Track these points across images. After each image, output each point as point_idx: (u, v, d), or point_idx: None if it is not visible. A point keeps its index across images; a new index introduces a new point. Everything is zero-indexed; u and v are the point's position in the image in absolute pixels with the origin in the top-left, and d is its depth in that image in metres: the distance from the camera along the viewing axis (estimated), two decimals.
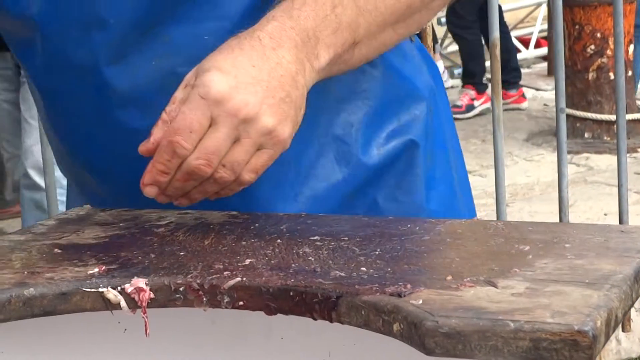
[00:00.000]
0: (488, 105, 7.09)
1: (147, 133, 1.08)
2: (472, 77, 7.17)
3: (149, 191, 1.09)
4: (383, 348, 0.90)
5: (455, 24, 7.00)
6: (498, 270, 0.91)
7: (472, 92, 7.10)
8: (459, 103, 6.94)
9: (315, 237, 1.05)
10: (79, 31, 1.18)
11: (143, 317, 0.95)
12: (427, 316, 0.80)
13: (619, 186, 2.99)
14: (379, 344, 0.89)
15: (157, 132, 1.07)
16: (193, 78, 1.06)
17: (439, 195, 1.33)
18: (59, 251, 1.04)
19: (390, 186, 1.29)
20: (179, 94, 1.07)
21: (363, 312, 0.86)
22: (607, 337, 0.81)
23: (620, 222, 3.01)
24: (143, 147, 1.08)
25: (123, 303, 0.94)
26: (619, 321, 0.84)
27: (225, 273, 0.94)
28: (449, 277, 0.89)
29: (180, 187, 1.08)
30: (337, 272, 0.93)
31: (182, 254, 1.02)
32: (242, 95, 1.03)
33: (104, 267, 0.98)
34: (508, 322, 0.78)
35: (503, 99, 7.06)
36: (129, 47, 1.17)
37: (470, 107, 7.06)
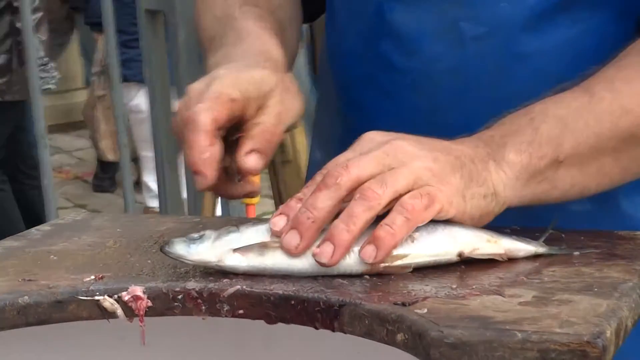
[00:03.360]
0: None
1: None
2: None
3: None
4: (386, 358, 0.89)
5: None
6: (505, 279, 0.89)
7: None
8: None
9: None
10: None
11: (140, 326, 0.93)
12: (432, 326, 0.79)
13: None
14: (382, 354, 0.88)
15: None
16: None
17: None
18: (55, 258, 1.03)
19: None
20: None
21: (366, 322, 0.84)
22: (617, 347, 0.79)
23: None
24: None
25: (120, 312, 0.93)
26: (629, 330, 0.83)
27: (225, 280, 0.92)
28: (455, 286, 0.88)
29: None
30: (339, 280, 0.91)
31: None
32: None
33: (100, 275, 0.96)
34: (515, 333, 0.76)
35: None
36: None
37: None
